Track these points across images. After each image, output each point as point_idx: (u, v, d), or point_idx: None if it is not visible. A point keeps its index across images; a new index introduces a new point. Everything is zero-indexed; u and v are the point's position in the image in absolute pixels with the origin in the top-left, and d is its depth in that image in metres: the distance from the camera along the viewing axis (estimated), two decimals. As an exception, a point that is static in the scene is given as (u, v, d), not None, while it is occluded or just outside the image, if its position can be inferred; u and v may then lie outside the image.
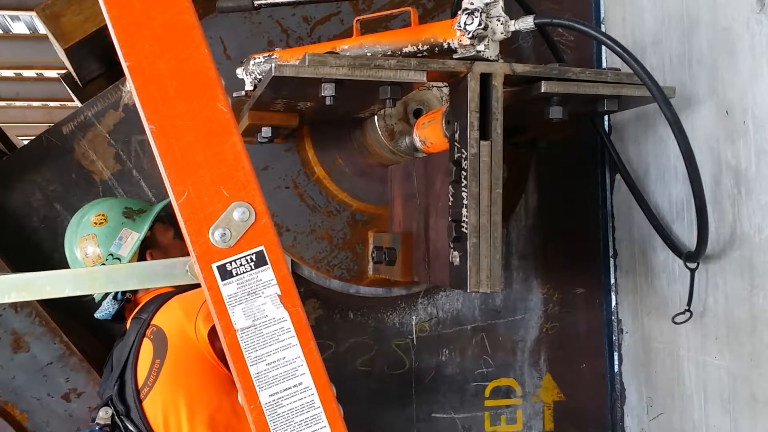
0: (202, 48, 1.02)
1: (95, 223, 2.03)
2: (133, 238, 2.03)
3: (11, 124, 9.20)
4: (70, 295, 1.09)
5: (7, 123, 9.32)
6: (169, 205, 2.15)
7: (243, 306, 1.01)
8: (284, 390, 1.01)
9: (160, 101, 1.00)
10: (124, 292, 2.02)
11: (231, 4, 1.94)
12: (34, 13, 2.35)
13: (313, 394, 1.01)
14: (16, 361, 2.13)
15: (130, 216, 2.06)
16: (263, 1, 1.89)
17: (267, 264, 1.02)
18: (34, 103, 9.53)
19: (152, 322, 1.88)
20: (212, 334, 1.80)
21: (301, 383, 1.01)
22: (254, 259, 1.03)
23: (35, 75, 8.77)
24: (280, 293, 1.02)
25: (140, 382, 1.83)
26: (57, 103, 9.31)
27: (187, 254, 2.05)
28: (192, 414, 1.79)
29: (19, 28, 7.91)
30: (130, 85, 1.01)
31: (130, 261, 2.03)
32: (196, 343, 1.81)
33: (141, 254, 2.07)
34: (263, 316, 1.01)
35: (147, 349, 1.85)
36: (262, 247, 1.03)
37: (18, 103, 9.43)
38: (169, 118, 1.00)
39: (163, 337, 1.83)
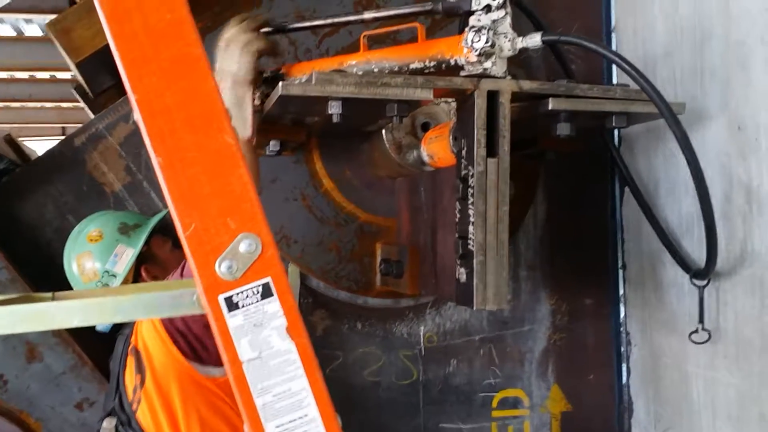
0: (210, 80, 1.03)
1: (91, 240, 2.07)
2: (128, 255, 2.07)
3: (25, 125, 9.27)
4: (79, 325, 1.10)
5: (21, 124, 9.39)
6: (167, 216, 2.18)
7: (249, 338, 1.02)
8: (290, 422, 1.02)
9: (167, 134, 1.01)
10: None
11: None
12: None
13: (318, 426, 1.02)
14: (31, 371, 2.16)
15: (126, 232, 2.10)
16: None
17: (273, 295, 1.03)
18: (48, 104, 9.58)
19: (131, 338, 1.90)
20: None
21: (306, 414, 1.02)
22: (261, 291, 1.03)
23: (48, 77, 8.81)
24: (286, 324, 1.03)
25: (130, 396, 1.86)
26: (70, 104, 9.36)
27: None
28: (174, 424, 1.80)
29: (32, 30, 7.95)
30: (137, 117, 1.02)
31: (126, 277, 2.07)
32: (164, 349, 1.79)
33: (137, 269, 2.11)
34: (269, 348, 1.02)
35: (130, 363, 1.88)
36: (268, 279, 1.03)
37: (31, 104, 9.49)
38: (177, 150, 1.01)
39: (138, 352, 1.85)
